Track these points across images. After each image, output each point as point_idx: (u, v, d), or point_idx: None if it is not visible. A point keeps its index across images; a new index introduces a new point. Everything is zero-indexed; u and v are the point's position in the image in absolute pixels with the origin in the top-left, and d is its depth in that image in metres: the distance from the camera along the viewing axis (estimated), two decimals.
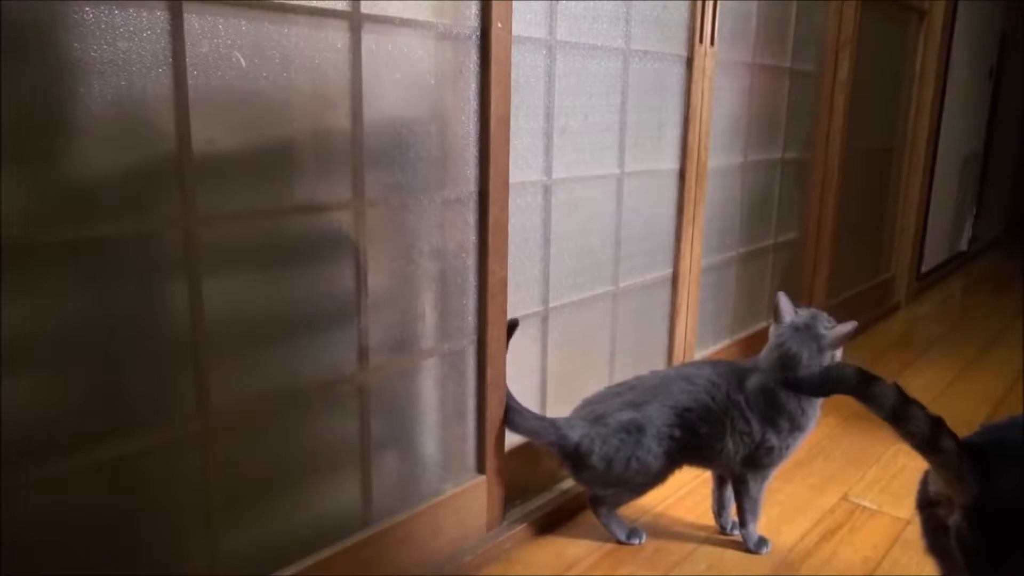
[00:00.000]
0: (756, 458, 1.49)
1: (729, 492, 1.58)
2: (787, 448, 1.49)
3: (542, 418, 1.52)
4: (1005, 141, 5.06)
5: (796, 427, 1.47)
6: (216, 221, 1.04)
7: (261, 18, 1.04)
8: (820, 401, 1.50)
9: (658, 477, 1.51)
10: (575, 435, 1.46)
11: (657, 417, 1.46)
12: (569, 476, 1.57)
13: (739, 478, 1.52)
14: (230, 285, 1.07)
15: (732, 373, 1.51)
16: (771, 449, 1.48)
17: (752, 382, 1.48)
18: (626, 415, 1.47)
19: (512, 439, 1.57)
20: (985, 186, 4.87)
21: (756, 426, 1.46)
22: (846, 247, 2.95)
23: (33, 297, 0.89)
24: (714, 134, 2.08)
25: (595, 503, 1.56)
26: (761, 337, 2.36)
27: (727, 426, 1.46)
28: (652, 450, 1.45)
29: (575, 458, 1.47)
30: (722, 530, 1.61)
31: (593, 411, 1.51)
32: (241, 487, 1.13)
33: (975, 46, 4.01)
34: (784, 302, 1.53)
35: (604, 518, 1.56)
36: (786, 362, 1.46)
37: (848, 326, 1.47)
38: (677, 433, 1.46)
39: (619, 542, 1.55)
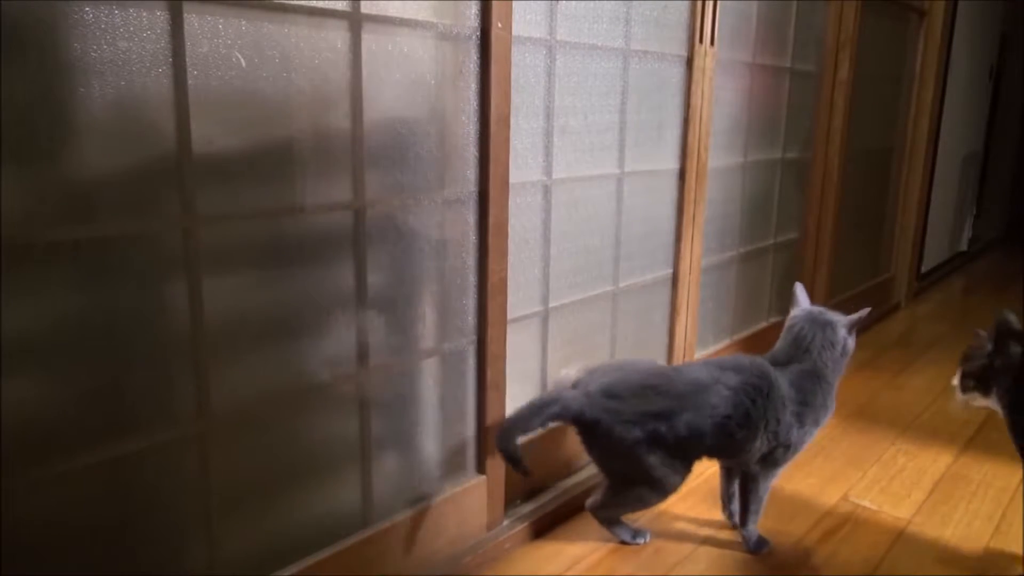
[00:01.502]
0: (774, 455, 1.48)
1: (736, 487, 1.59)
2: (802, 444, 1.50)
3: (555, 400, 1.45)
4: (1005, 141, 5.06)
5: (815, 422, 1.49)
6: (216, 221, 1.04)
7: (261, 18, 1.04)
8: (834, 394, 1.52)
9: (674, 478, 1.47)
10: (590, 413, 1.41)
11: (688, 426, 1.41)
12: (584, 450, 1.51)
13: (751, 475, 1.52)
14: (230, 285, 1.07)
15: (765, 369, 1.48)
16: (789, 446, 1.48)
17: (787, 376, 1.48)
18: (661, 425, 1.40)
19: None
20: (985, 186, 4.88)
21: (785, 422, 1.45)
22: (846, 247, 2.95)
23: (33, 297, 0.89)
24: (714, 134, 2.08)
25: (595, 511, 1.55)
26: (761, 337, 2.37)
27: (761, 428, 1.44)
28: (677, 466, 1.44)
29: (591, 434, 1.44)
30: (730, 519, 1.61)
31: (621, 405, 1.43)
32: (241, 487, 1.13)
33: (975, 46, 4.01)
34: (800, 292, 1.59)
35: (605, 521, 1.55)
36: (799, 344, 1.49)
37: (862, 312, 1.51)
38: (709, 440, 1.43)
39: (623, 542, 1.55)
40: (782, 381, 1.47)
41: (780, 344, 1.54)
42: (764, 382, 1.45)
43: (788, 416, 1.45)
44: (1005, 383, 1.41)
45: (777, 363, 1.51)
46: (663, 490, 1.47)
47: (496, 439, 1.39)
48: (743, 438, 1.44)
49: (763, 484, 1.52)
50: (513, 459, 1.38)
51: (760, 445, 1.46)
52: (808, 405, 1.47)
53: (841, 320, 1.51)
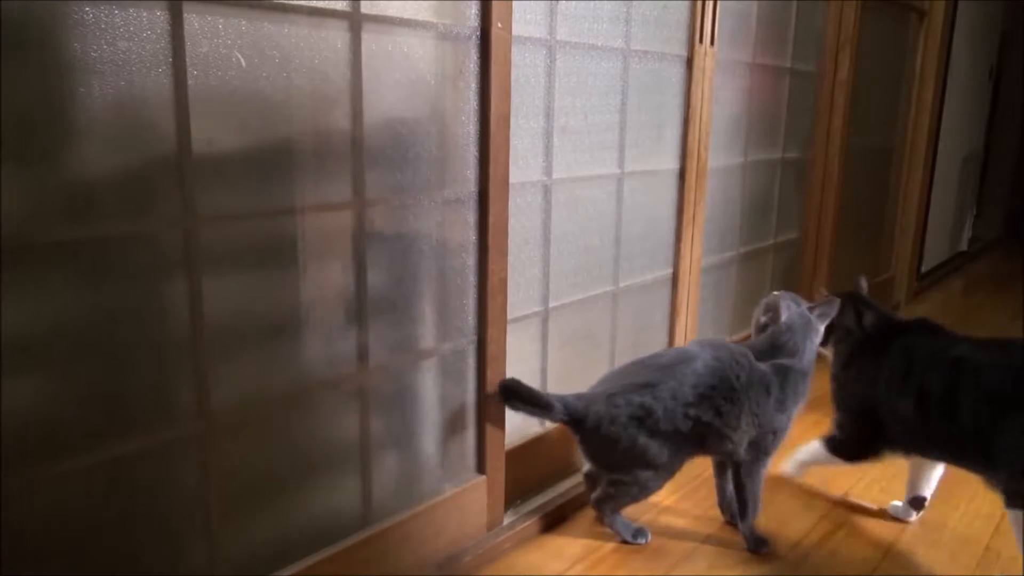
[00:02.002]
0: (763, 442, 1.49)
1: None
2: (787, 428, 1.53)
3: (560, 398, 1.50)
4: (1005, 141, 5.06)
5: (795, 403, 1.52)
6: (216, 221, 1.04)
7: (261, 18, 1.04)
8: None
9: (668, 465, 1.49)
10: (582, 408, 1.47)
11: (673, 395, 1.44)
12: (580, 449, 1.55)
13: (744, 468, 1.52)
14: (230, 285, 1.07)
15: (747, 352, 1.51)
16: (776, 432, 1.50)
17: (769, 367, 1.49)
18: (646, 396, 1.44)
19: (512, 439, 1.57)
20: (985, 186, 4.88)
21: (769, 409, 1.47)
22: (846, 247, 2.95)
23: (33, 297, 0.89)
24: (714, 134, 2.08)
25: (601, 502, 1.56)
26: None
27: (746, 407, 1.45)
28: (669, 444, 1.45)
29: (583, 430, 1.48)
30: (732, 519, 1.61)
31: (609, 386, 1.50)
32: (241, 487, 1.13)
33: (975, 46, 4.01)
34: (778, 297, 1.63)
35: (609, 519, 1.56)
36: (788, 346, 1.52)
37: (833, 304, 1.58)
38: (694, 412, 1.44)
39: (624, 542, 1.55)
40: (764, 370, 1.49)
41: (764, 341, 1.55)
42: (747, 361, 1.48)
43: (771, 403, 1.47)
44: (837, 340, 1.64)
45: (759, 356, 1.51)
46: (660, 472, 1.49)
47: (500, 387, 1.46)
48: (729, 413, 1.44)
49: (756, 476, 1.53)
50: (520, 395, 1.44)
51: (747, 429, 1.47)
52: (785, 391, 1.49)
53: (815, 318, 1.56)
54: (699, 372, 1.45)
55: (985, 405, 1.37)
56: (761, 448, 1.50)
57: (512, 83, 1.41)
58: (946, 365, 1.43)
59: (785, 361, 1.50)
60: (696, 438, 1.46)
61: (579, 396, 1.50)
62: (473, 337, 1.45)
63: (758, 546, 1.54)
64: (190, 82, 0.97)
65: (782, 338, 1.52)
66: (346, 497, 1.29)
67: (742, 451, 1.50)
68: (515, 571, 1.47)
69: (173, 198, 0.99)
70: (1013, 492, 1.38)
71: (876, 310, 1.62)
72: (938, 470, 1.63)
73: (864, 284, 1.70)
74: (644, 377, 1.47)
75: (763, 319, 1.56)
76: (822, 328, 1.56)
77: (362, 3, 1.16)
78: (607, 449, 1.47)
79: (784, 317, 1.53)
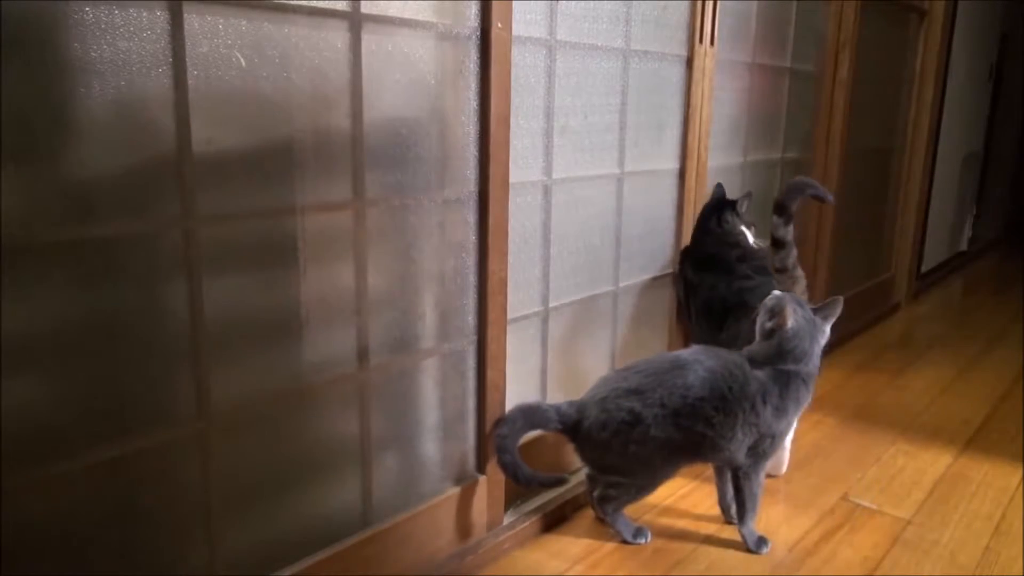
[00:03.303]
0: (761, 447, 1.49)
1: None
2: (787, 432, 1.53)
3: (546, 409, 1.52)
4: (1005, 141, 5.06)
5: (797, 407, 1.50)
6: (216, 221, 1.04)
7: (261, 18, 1.04)
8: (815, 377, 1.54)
9: (663, 469, 1.50)
10: (575, 414, 1.49)
11: (662, 403, 1.43)
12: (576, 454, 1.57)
13: (743, 471, 1.52)
14: (230, 285, 1.07)
15: (743, 362, 1.48)
16: (775, 436, 1.49)
17: (767, 373, 1.46)
18: (635, 402, 1.44)
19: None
20: (985, 186, 4.87)
21: (766, 416, 1.45)
22: (846, 247, 2.95)
23: (33, 297, 0.89)
24: (714, 134, 2.08)
25: (602, 501, 1.56)
26: None
27: (740, 416, 1.44)
28: (664, 448, 1.45)
29: (577, 435, 1.50)
30: (732, 519, 1.61)
31: (601, 390, 1.51)
32: (241, 487, 1.13)
33: (975, 46, 4.01)
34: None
35: (610, 517, 1.56)
36: (794, 354, 1.47)
37: (838, 306, 1.53)
38: (686, 423, 1.43)
39: (624, 541, 1.55)
40: (762, 379, 1.46)
41: (771, 347, 1.48)
42: (740, 372, 1.46)
43: (769, 411, 1.45)
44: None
45: (764, 362, 1.48)
46: (656, 475, 1.50)
47: (500, 466, 1.46)
48: (721, 424, 1.43)
49: (755, 478, 1.52)
50: (526, 479, 1.45)
51: (743, 438, 1.46)
52: (785, 398, 1.47)
53: (821, 320, 1.50)
54: (689, 383, 1.44)
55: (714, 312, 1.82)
56: (759, 452, 1.50)
57: (512, 83, 1.41)
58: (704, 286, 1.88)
59: (787, 367, 1.47)
60: (691, 446, 1.46)
61: (571, 403, 1.51)
62: (473, 337, 1.45)
63: (758, 546, 1.54)
64: (190, 82, 0.97)
65: (789, 344, 1.46)
66: (346, 497, 1.29)
67: (741, 457, 1.49)
68: (515, 571, 1.47)
69: (173, 198, 0.99)
70: None
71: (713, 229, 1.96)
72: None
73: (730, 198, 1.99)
74: (635, 383, 1.47)
75: (769, 324, 1.49)
76: (828, 328, 1.52)
77: (362, 3, 1.16)
78: (601, 453, 1.49)
79: (791, 323, 1.46)
